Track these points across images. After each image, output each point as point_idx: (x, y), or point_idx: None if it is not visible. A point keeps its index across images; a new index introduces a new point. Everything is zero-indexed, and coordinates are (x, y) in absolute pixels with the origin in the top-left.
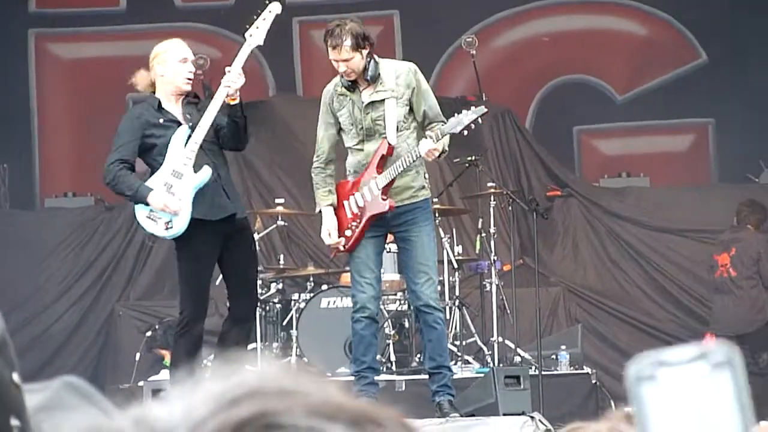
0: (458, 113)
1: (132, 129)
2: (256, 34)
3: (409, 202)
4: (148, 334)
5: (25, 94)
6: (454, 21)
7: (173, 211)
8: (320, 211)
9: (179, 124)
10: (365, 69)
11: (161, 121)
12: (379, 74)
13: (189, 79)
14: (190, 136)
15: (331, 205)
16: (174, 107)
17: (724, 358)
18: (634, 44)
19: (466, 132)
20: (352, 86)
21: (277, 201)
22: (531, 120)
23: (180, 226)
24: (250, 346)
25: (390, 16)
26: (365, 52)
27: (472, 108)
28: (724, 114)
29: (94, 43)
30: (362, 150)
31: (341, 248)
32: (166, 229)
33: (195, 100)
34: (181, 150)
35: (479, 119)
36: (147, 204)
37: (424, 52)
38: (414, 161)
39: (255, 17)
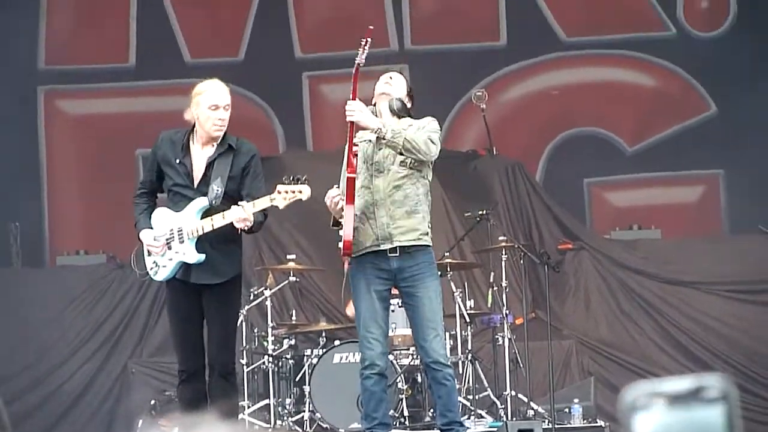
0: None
1: (151, 159)
2: (279, 199)
3: (414, 243)
4: (152, 402)
5: (35, 151)
6: (463, 75)
7: (154, 253)
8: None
9: (191, 178)
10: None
11: (177, 161)
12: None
13: (219, 127)
14: (207, 210)
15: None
16: (200, 151)
17: (720, 392)
18: (643, 95)
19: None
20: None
21: (289, 257)
22: (541, 173)
23: (161, 276)
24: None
25: (399, 70)
26: (408, 100)
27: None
28: (734, 165)
29: (103, 100)
30: (369, 188)
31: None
32: (151, 268)
33: (228, 150)
34: (194, 219)
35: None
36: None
37: (434, 106)
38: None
39: (287, 181)
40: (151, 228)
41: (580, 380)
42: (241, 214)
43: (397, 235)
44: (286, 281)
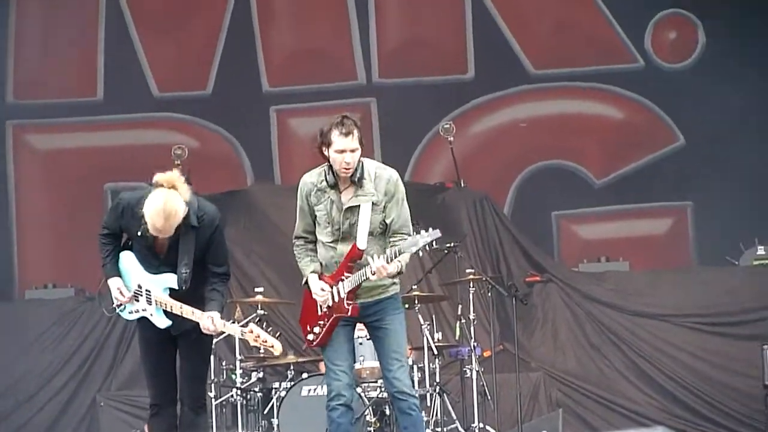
0: (417, 233)
1: (115, 215)
2: (250, 337)
3: (378, 298)
4: None
5: (3, 185)
6: (431, 107)
7: (120, 303)
8: (305, 282)
9: (154, 253)
10: (354, 169)
11: (138, 234)
12: (363, 177)
13: (163, 237)
14: (171, 289)
15: (314, 272)
16: None
17: None
18: (611, 128)
19: (420, 253)
20: (335, 185)
21: (257, 290)
22: (509, 205)
23: (128, 317)
24: None
25: (367, 103)
26: (360, 148)
27: (430, 230)
28: (702, 197)
29: (71, 134)
30: (335, 248)
31: (313, 343)
32: (119, 305)
33: (190, 229)
34: (162, 292)
35: (434, 242)
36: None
37: (402, 139)
38: (372, 274)
39: (258, 336)
40: (119, 275)
41: (548, 412)
42: (210, 327)
43: (362, 295)
44: (255, 314)
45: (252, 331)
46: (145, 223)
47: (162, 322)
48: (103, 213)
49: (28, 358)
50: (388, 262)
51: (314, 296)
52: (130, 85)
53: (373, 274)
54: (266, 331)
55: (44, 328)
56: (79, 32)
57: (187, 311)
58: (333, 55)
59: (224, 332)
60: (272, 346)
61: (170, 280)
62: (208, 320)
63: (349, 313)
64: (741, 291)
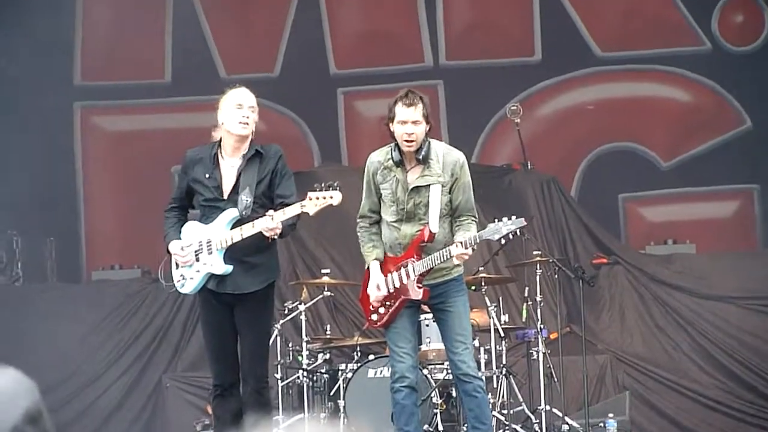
0: (499, 220)
1: (180, 177)
2: (310, 205)
3: (441, 279)
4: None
5: (71, 167)
6: (498, 90)
7: (182, 264)
8: (368, 267)
9: (221, 190)
10: (420, 147)
11: (207, 176)
12: (429, 157)
13: (243, 123)
14: (238, 221)
15: (377, 259)
16: (229, 162)
17: None
18: (678, 111)
19: (503, 241)
20: (400, 162)
21: (323, 271)
22: (576, 188)
23: (188, 289)
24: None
25: (434, 86)
26: (427, 127)
27: (513, 218)
28: None
29: (139, 116)
30: (399, 229)
31: (376, 323)
32: (178, 281)
33: (255, 155)
34: (223, 230)
35: (518, 231)
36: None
37: (469, 122)
38: (447, 259)
39: (318, 188)
40: (180, 240)
41: (614, 395)
42: (269, 224)
43: (426, 276)
44: (321, 296)
45: (310, 198)
46: (216, 146)
47: (221, 267)
48: (171, 194)
49: (95, 339)
50: (465, 248)
51: (369, 288)
52: (198, 67)
53: (450, 258)
54: (332, 312)
55: (111, 309)
56: (146, 13)
57: (247, 229)
58: (400, 38)
59: (284, 225)
60: (331, 197)
61: (231, 212)
62: (267, 219)
63: (420, 297)
64: None
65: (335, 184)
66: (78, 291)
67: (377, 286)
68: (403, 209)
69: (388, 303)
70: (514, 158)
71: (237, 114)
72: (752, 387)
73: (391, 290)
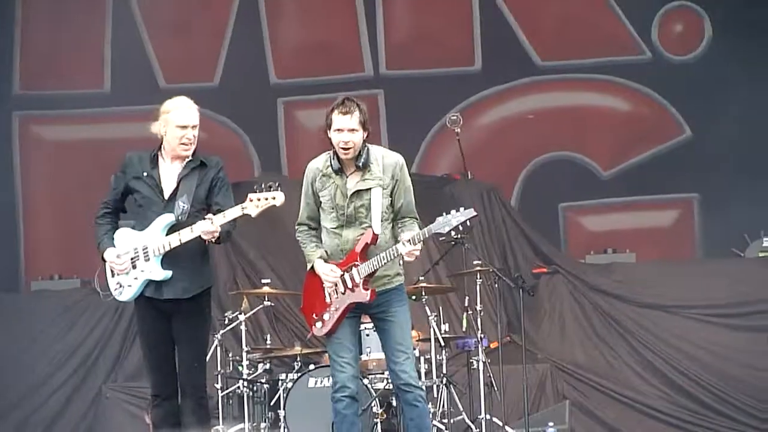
0: (447, 213)
1: (119, 176)
2: (251, 206)
3: (383, 288)
4: None
5: (10, 176)
6: (438, 100)
7: (118, 271)
8: (312, 268)
9: (160, 189)
10: (359, 154)
11: (145, 174)
12: (369, 161)
13: (185, 145)
14: (173, 226)
15: (321, 257)
16: (170, 166)
17: None
18: (618, 120)
19: (453, 233)
20: (339, 170)
21: (264, 281)
22: (517, 197)
23: (126, 297)
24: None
25: (375, 95)
26: (365, 134)
27: (461, 209)
28: (708, 189)
29: (78, 126)
30: (341, 235)
31: (321, 331)
32: (115, 289)
33: (199, 165)
34: (159, 235)
35: (468, 221)
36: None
37: (410, 131)
38: (394, 258)
39: (258, 189)
40: (114, 247)
41: (555, 404)
42: (209, 228)
43: (369, 287)
44: (261, 306)
45: (251, 200)
46: (157, 150)
47: (160, 273)
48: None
49: (34, 349)
50: (415, 244)
51: (323, 277)
52: (137, 76)
53: (398, 256)
54: (273, 322)
55: (50, 319)
56: (86, 23)
57: (185, 234)
58: (340, 48)
59: (221, 233)
60: (273, 198)
61: (167, 217)
62: (206, 222)
63: (368, 299)
64: (747, 283)
65: (276, 185)
66: (17, 300)
67: (331, 270)
68: (343, 214)
69: (332, 308)
70: (455, 168)
71: (179, 134)
72: (692, 395)
73: (335, 296)
